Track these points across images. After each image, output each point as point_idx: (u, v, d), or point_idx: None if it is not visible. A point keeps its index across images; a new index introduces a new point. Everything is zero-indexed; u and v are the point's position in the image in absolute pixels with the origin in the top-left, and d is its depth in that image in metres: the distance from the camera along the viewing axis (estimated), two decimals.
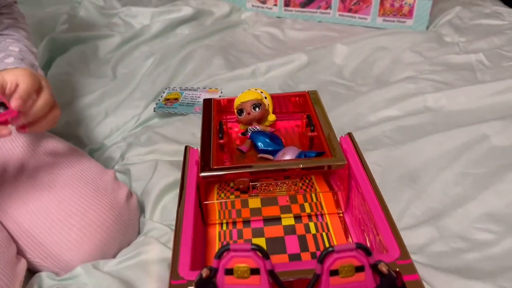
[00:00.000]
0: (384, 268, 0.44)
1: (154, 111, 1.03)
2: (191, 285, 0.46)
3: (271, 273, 0.44)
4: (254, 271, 0.44)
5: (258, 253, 0.44)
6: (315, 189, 0.65)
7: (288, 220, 0.66)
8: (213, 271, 0.44)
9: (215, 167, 0.61)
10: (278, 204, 0.66)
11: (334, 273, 0.44)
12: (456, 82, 1.07)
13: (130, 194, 0.74)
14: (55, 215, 0.65)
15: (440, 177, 0.79)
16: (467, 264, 0.63)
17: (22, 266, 0.64)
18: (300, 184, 0.64)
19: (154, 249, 0.68)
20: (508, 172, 0.77)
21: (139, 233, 0.73)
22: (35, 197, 0.66)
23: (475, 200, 0.73)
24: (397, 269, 0.47)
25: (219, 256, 0.44)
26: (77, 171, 0.70)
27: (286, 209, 0.66)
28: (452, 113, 0.96)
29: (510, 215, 0.70)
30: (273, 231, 0.64)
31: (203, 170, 0.61)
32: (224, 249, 0.44)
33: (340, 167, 0.61)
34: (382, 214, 0.54)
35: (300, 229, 0.65)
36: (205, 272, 0.44)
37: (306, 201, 0.66)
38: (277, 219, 0.66)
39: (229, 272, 0.44)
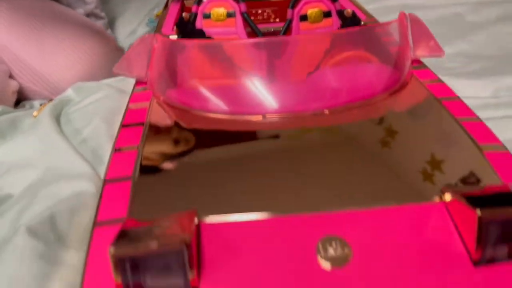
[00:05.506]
0: (349, 10, 0.48)
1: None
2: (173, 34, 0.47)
3: (245, 16, 0.47)
4: (230, 14, 0.47)
5: None
6: None
7: None
8: (193, 16, 0.47)
9: None
10: None
11: (304, 18, 0.47)
12: None
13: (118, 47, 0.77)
14: (46, 39, 0.65)
15: None
16: None
17: (15, 83, 0.64)
18: None
19: None
20: None
21: None
22: (24, 23, 0.66)
23: None
24: None
25: (198, 2, 0.48)
26: (73, 13, 0.74)
27: None
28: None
29: None
30: None
31: None
32: None
33: None
34: None
35: None
36: (185, 16, 0.48)
37: None
38: None
39: (207, 16, 0.47)
